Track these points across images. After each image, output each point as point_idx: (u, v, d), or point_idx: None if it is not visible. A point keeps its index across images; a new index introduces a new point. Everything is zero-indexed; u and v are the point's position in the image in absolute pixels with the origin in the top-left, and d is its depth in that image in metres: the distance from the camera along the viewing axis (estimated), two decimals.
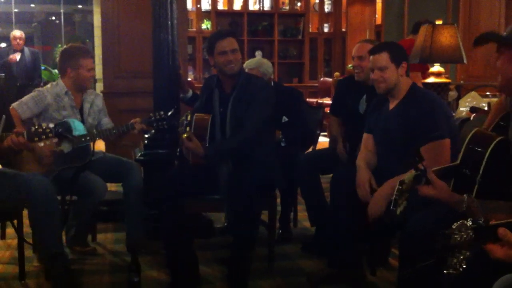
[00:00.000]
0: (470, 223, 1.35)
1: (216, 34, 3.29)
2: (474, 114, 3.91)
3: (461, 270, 1.36)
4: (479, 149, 2.13)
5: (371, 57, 2.93)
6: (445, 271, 1.38)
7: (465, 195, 1.99)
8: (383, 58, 2.87)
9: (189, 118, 3.04)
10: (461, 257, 1.36)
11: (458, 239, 1.35)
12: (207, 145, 3.08)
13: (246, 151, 3.05)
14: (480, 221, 1.37)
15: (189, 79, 6.63)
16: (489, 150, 2.09)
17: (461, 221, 1.36)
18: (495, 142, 2.10)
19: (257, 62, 3.94)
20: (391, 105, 2.93)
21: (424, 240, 2.15)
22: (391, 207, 2.06)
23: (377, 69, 2.88)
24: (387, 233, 3.01)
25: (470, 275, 1.61)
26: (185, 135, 2.99)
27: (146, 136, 3.71)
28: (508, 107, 2.29)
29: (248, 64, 3.91)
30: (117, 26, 5.31)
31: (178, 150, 3.58)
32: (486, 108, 4.28)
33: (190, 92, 3.96)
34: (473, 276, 1.68)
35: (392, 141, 2.86)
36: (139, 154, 3.73)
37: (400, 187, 2.04)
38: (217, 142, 3.15)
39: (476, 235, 1.35)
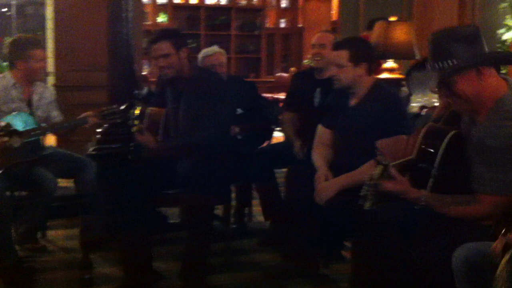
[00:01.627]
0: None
1: (151, 37, 3.15)
2: (425, 109, 3.98)
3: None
4: (434, 144, 2.16)
5: (332, 52, 2.93)
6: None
7: (423, 190, 2.04)
8: (342, 56, 2.86)
9: (137, 111, 2.98)
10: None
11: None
12: (160, 139, 3.03)
13: (207, 148, 3.01)
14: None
15: (144, 73, 6.53)
16: (443, 144, 2.13)
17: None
18: (449, 136, 2.14)
19: (214, 48, 3.95)
20: (353, 102, 2.93)
21: (381, 232, 2.18)
22: (359, 202, 2.08)
23: (335, 66, 2.88)
24: (341, 226, 3.03)
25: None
26: (135, 129, 2.94)
27: (99, 130, 3.63)
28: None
29: (208, 51, 3.89)
30: (70, 18, 5.18)
31: (132, 144, 3.52)
32: (436, 104, 4.36)
33: (146, 89, 3.90)
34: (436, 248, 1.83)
35: (354, 137, 2.87)
36: (91, 149, 3.64)
37: (369, 182, 2.07)
38: (172, 138, 3.11)
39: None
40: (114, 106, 3.27)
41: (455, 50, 1.96)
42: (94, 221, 3.33)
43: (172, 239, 3.62)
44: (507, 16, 7.42)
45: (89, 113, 3.28)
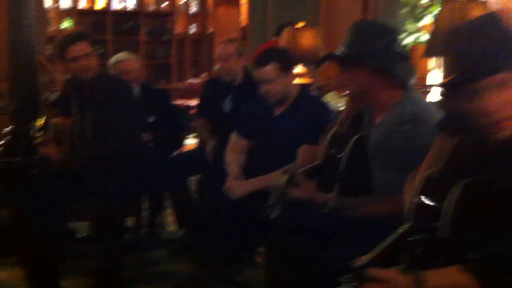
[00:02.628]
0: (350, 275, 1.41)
1: (67, 38, 3.05)
2: (332, 114, 4.09)
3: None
4: (339, 148, 2.22)
5: (259, 69, 2.87)
6: None
7: (330, 194, 2.08)
8: (272, 69, 2.81)
9: (42, 122, 2.86)
10: None
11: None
12: (66, 150, 2.92)
13: (117, 158, 2.93)
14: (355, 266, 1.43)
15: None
16: (347, 149, 2.19)
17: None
18: (353, 140, 2.21)
19: (125, 54, 3.87)
20: (277, 111, 2.94)
21: (292, 237, 2.20)
22: (267, 212, 2.09)
23: (265, 82, 2.84)
24: (253, 233, 3.05)
25: None
26: (39, 140, 2.81)
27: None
28: (360, 105, 2.42)
29: (119, 57, 3.80)
30: None
31: (37, 157, 3.36)
32: (341, 109, 4.50)
33: (57, 94, 3.75)
34: None
35: (278, 145, 2.88)
36: None
37: (275, 191, 2.07)
38: (79, 149, 3.00)
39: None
40: None
41: (361, 43, 2.05)
42: None
43: (83, 254, 3.50)
44: (408, 21, 7.77)
45: None
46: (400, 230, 1.48)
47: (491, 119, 1.39)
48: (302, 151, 2.73)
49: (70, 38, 3.02)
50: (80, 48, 2.93)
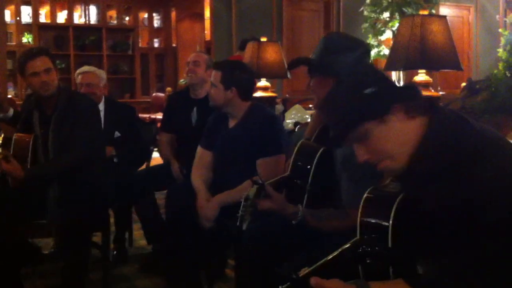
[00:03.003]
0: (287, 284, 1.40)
1: (26, 53, 2.99)
2: (298, 126, 4.14)
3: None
4: (306, 160, 2.25)
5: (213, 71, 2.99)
6: None
7: (299, 206, 2.09)
8: (216, 76, 2.91)
9: (1, 138, 2.80)
10: None
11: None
12: (28, 166, 2.87)
13: (74, 172, 2.90)
14: (293, 276, 1.41)
15: (9, 96, 6.17)
16: (315, 160, 2.22)
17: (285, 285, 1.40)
18: (319, 152, 2.24)
19: (91, 67, 3.86)
20: (231, 123, 2.97)
21: (261, 248, 2.22)
22: (237, 223, 2.09)
23: (211, 83, 2.93)
24: (223, 245, 3.05)
25: None
26: (0, 156, 2.75)
27: None
28: (325, 119, 2.46)
29: (81, 69, 3.79)
30: None
31: None
32: (308, 120, 4.56)
33: (11, 111, 3.68)
34: None
35: (233, 158, 2.90)
36: None
37: (245, 203, 2.07)
38: (40, 164, 2.95)
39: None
40: None
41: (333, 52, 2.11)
42: None
43: (47, 271, 3.43)
44: (369, 35, 7.93)
45: None
46: (347, 245, 1.47)
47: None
48: (259, 165, 2.76)
49: (30, 53, 2.95)
50: (40, 63, 2.89)
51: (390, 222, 1.46)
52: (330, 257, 1.46)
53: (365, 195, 1.58)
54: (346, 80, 1.55)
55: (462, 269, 1.31)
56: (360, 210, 1.56)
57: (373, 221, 1.51)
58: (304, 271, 1.43)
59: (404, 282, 1.38)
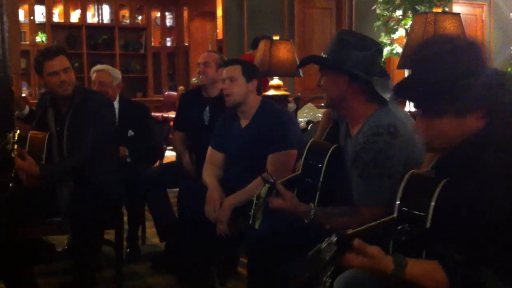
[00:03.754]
0: (334, 239, 1.42)
1: (45, 52, 3.00)
2: (311, 125, 4.14)
3: (327, 286, 1.42)
4: (317, 158, 2.25)
5: (225, 69, 2.99)
6: None
7: (311, 204, 2.08)
8: (235, 69, 2.93)
9: (16, 135, 2.81)
10: (329, 273, 1.42)
11: (327, 257, 1.41)
12: (43, 164, 2.89)
13: (84, 170, 2.91)
14: (341, 235, 1.44)
15: (23, 95, 6.23)
16: (326, 158, 2.22)
17: (327, 239, 1.42)
18: (331, 150, 2.23)
19: (106, 66, 3.90)
20: (243, 123, 2.98)
21: (272, 247, 2.22)
22: (250, 222, 2.09)
23: (227, 79, 2.93)
24: (235, 243, 3.06)
25: None
26: (15, 154, 2.77)
27: None
28: (335, 117, 2.46)
29: (96, 67, 3.82)
30: None
31: (13, 172, 3.32)
32: (320, 119, 4.55)
33: (27, 109, 3.72)
34: None
35: (246, 157, 2.92)
36: None
37: (257, 201, 2.07)
38: (54, 162, 2.98)
39: (338, 248, 1.42)
40: None
41: (343, 50, 2.10)
42: None
43: (61, 268, 3.46)
44: (382, 34, 7.89)
45: None
46: (387, 218, 1.53)
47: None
48: (270, 160, 2.76)
49: (49, 52, 2.96)
50: (59, 63, 2.90)
51: (432, 204, 1.48)
52: (369, 225, 1.51)
53: (408, 174, 1.62)
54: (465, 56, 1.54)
55: (497, 259, 1.36)
56: (401, 189, 1.59)
57: (415, 199, 1.55)
58: (349, 231, 1.47)
59: (438, 263, 1.42)
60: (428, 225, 1.48)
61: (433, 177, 1.58)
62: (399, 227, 1.48)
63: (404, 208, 1.56)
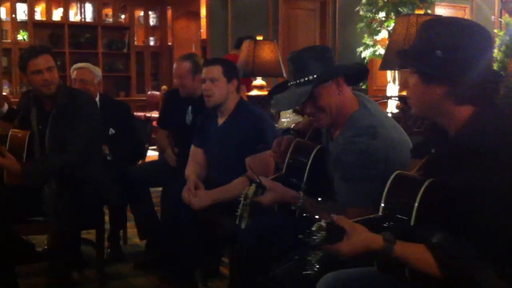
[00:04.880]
0: (324, 224, 1.43)
1: (29, 51, 2.99)
2: (293, 125, 4.13)
3: (316, 270, 1.44)
4: (301, 159, 2.25)
5: (204, 68, 2.97)
6: (304, 272, 1.46)
7: (300, 192, 2.07)
8: (216, 70, 2.92)
9: None
10: (316, 257, 1.44)
11: (316, 240, 1.41)
12: (24, 162, 2.86)
13: (71, 170, 2.89)
14: (330, 220, 1.46)
15: (4, 93, 6.15)
16: (310, 159, 2.21)
17: (317, 223, 1.43)
18: (314, 151, 2.23)
19: (86, 64, 3.86)
20: (220, 121, 2.99)
21: (258, 247, 2.22)
22: (236, 223, 2.08)
23: (208, 80, 2.92)
24: (219, 243, 3.05)
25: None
26: None
27: None
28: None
29: (76, 65, 3.80)
30: None
31: None
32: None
33: (6, 106, 3.66)
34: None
35: (224, 155, 2.93)
36: None
37: (244, 201, 2.06)
38: (36, 161, 2.94)
39: (328, 233, 1.42)
40: None
41: (313, 66, 2.06)
42: None
43: (41, 269, 3.42)
44: (365, 35, 7.94)
45: None
46: (373, 216, 1.56)
47: None
48: (249, 162, 2.76)
49: (33, 51, 2.95)
50: (43, 61, 2.88)
51: (416, 203, 1.49)
52: (357, 220, 1.53)
53: (393, 175, 1.61)
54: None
55: (480, 242, 1.40)
56: (387, 187, 1.59)
57: (399, 200, 1.56)
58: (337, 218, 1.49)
59: (426, 247, 1.44)
60: (412, 223, 1.49)
61: (418, 178, 1.58)
62: (385, 224, 1.50)
63: (388, 209, 1.57)
